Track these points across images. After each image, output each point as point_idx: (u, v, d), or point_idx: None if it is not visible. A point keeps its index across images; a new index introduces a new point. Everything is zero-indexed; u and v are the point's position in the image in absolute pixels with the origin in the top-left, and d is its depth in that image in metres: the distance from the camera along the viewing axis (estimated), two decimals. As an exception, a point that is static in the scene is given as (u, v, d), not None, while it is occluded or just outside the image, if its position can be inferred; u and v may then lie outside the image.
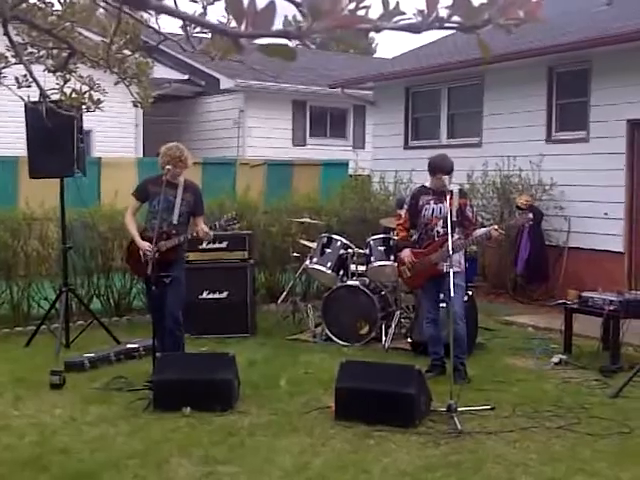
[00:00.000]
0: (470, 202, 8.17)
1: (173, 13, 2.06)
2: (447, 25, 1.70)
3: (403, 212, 8.25)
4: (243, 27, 1.61)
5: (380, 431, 6.20)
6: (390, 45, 59.57)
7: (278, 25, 1.76)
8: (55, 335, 8.98)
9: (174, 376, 6.87)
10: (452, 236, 7.38)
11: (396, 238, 9.02)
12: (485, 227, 8.52)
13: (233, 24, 1.66)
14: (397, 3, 1.64)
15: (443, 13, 1.72)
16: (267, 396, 7.21)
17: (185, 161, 7.76)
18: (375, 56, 35.22)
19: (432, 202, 7.88)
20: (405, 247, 8.14)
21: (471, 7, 1.66)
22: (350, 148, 20.54)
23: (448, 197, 7.55)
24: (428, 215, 7.91)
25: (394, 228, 9.82)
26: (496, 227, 7.96)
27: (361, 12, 1.60)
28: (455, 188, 8.06)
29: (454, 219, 7.72)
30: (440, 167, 7.80)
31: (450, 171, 7.78)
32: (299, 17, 1.79)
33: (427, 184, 8.03)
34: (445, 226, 7.56)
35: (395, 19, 1.65)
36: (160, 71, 16.46)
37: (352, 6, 1.59)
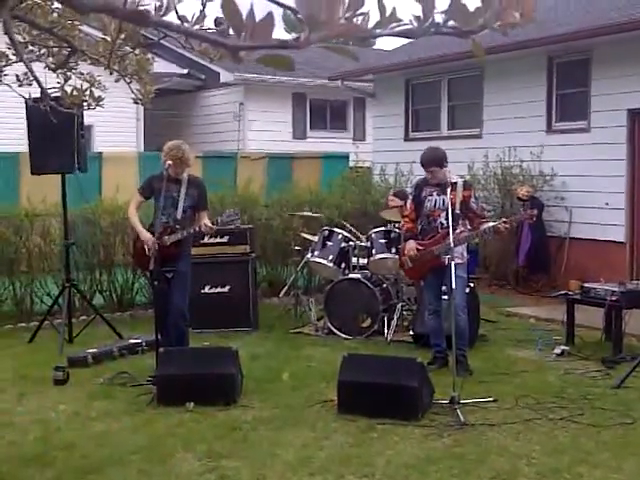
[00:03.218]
0: (475, 194, 8.13)
1: (173, 28, 2.07)
2: (443, 30, 1.70)
3: (408, 203, 8.24)
4: (242, 39, 1.61)
5: (383, 424, 6.21)
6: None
7: (279, 29, 1.78)
8: (58, 331, 9.00)
9: (177, 371, 6.89)
10: (454, 229, 7.38)
11: (400, 230, 8.96)
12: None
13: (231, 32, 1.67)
14: (394, 9, 1.64)
15: (439, 18, 1.71)
16: (270, 390, 7.23)
17: (186, 161, 7.81)
18: (374, 48, 35.07)
19: (435, 194, 7.86)
20: (411, 239, 8.11)
21: (467, 12, 1.65)
22: (350, 140, 20.52)
23: (449, 189, 7.54)
24: (430, 206, 7.90)
25: (396, 221, 9.82)
26: (505, 220, 7.92)
27: (357, 19, 1.61)
28: (460, 180, 8.04)
29: (457, 211, 7.71)
30: (426, 161, 7.81)
31: (432, 163, 7.75)
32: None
33: (431, 175, 8.00)
34: (448, 218, 7.54)
35: (391, 25, 1.66)
36: (160, 65, 16.35)
37: (349, 14, 1.59)
